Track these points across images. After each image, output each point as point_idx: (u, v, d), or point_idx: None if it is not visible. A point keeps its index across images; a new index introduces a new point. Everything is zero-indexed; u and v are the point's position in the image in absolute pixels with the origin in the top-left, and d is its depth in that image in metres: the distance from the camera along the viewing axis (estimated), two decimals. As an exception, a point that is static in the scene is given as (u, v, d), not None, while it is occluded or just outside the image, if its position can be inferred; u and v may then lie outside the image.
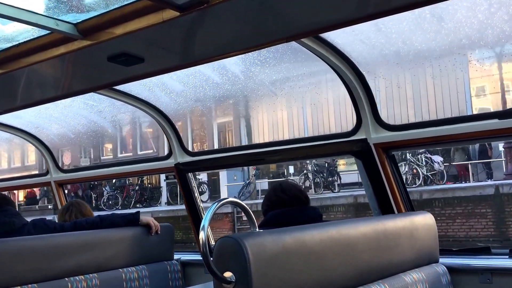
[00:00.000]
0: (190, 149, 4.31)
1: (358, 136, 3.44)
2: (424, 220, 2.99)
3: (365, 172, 3.46)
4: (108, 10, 2.49)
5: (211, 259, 1.93)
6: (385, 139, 3.34)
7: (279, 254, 2.01)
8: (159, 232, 3.98)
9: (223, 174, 24.94)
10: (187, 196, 4.40)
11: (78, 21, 2.60)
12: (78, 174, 5.46)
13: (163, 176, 26.57)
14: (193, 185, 4.41)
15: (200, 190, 25.04)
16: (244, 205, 2.16)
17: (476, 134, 3.03)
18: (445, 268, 2.96)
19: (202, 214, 4.38)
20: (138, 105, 4.23)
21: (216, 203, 2.05)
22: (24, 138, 5.40)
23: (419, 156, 18.90)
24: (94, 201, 27.10)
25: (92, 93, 3.93)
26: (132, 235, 3.84)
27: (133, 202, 25.93)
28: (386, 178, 3.37)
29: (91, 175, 5.32)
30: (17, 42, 2.90)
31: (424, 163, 19.00)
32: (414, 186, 18.43)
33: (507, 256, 3.12)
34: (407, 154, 18.76)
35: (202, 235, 1.96)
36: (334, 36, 2.99)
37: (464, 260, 3.20)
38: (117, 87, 3.95)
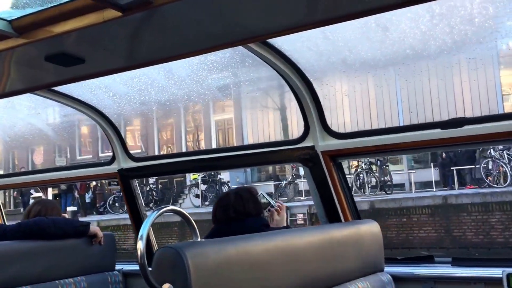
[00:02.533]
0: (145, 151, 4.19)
1: (306, 143, 3.43)
2: (370, 229, 3.00)
3: (312, 180, 3.45)
4: (46, 7, 2.36)
5: (149, 269, 1.84)
6: (332, 147, 3.34)
7: (221, 264, 1.94)
8: (102, 243, 3.84)
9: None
10: (131, 203, 4.27)
11: (13, 18, 2.45)
12: (12, 180, 5.20)
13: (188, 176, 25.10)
14: (137, 192, 4.27)
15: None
16: (185, 213, 2.08)
17: (420, 143, 3.07)
18: (390, 276, 2.97)
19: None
20: (79, 107, 4.07)
21: (156, 212, 1.97)
22: None
23: (499, 153, 18.01)
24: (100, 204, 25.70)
25: (30, 94, 3.76)
26: (73, 245, 3.69)
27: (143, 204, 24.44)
28: (333, 186, 3.37)
29: (26, 181, 5.08)
30: None
31: (507, 160, 18.07)
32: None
33: (450, 265, 3.17)
34: (491, 150, 17.89)
35: (140, 245, 1.87)
36: (282, 42, 2.96)
37: (408, 268, 3.23)
38: (57, 88, 3.79)
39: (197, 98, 4.03)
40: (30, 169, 26.46)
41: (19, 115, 4.64)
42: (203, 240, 2.06)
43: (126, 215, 21.77)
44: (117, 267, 4.07)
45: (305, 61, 3.10)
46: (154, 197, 24.39)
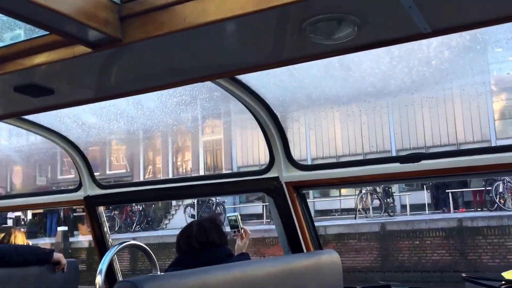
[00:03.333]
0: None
1: (271, 174, 3.51)
2: (330, 258, 3.08)
3: (276, 209, 3.52)
4: (16, 41, 2.41)
5: None
6: (296, 178, 3.43)
7: None
8: (65, 270, 3.82)
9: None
10: (96, 231, 4.25)
11: (-17, 50, 2.48)
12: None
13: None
14: (103, 219, 4.27)
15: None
16: (145, 247, 2.13)
17: (380, 177, 3.19)
18: None
19: (111, 250, 4.23)
20: (47, 135, 4.08)
21: (116, 247, 2.00)
22: None
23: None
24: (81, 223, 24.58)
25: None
26: (36, 272, 3.67)
27: (134, 224, 23.37)
28: (296, 216, 3.45)
29: (-7, 206, 5.02)
30: None
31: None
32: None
33: None
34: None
35: (98, 280, 1.90)
36: (249, 78, 3.06)
37: None
38: (26, 117, 3.80)
39: (166, 128, 4.08)
40: (8, 189, 25.83)
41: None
42: (162, 274, 2.10)
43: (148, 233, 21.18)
44: None
45: (271, 96, 3.20)
46: (135, 219, 23.86)
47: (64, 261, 3.81)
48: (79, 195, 4.31)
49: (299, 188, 3.45)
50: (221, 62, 2.65)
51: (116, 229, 23.42)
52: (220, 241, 3.14)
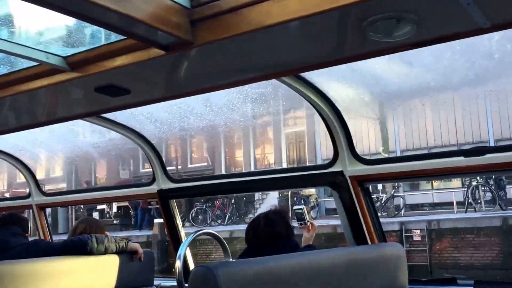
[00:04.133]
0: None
1: (335, 168, 3.59)
2: (394, 251, 3.11)
3: (341, 203, 3.60)
4: (96, 46, 2.64)
5: (186, 286, 2.03)
6: (360, 172, 3.49)
7: (251, 283, 2.12)
8: (141, 259, 4.05)
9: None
10: (169, 223, 4.50)
11: (68, 54, 2.74)
12: (59, 198, 5.52)
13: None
14: (175, 212, 4.50)
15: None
16: (218, 235, 2.27)
17: (444, 170, 3.20)
18: None
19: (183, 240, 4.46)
20: (123, 132, 4.35)
21: (192, 235, 2.16)
22: (6, 161, 5.46)
23: None
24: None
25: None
26: (114, 262, 3.90)
27: (227, 217, 22.92)
28: (361, 210, 3.51)
29: (73, 199, 5.39)
30: (7, 71, 3.03)
31: None
32: None
33: (472, 287, 3.26)
34: None
35: (178, 264, 2.06)
36: (312, 75, 3.16)
37: None
38: (104, 115, 4.08)
39: (233, 124, 4.25)
40: (93, 183, 27.08)
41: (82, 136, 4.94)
42: (234, 260, 2.23)
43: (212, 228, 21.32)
44: (155, 282, 4.28)
45: (334, 92, 3.28)
46: (227, 212, 23.36)
47: (140, 250, 4.03)
48: (153, 188, 4.57)
49: (363, 181, 3.51)
50: (285, 60, 2.76)
51: (209, 221, 23.06)
52: (287, 233, 3.23)
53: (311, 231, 3.53)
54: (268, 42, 2.48)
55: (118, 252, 3.93)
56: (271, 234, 3.18)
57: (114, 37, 2.57)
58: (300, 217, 3.54)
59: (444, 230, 17.17)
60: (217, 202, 23.37)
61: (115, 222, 27.38)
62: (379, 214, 18.74)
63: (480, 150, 3.01)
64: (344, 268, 2.64)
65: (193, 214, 23.01)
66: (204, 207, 23.15)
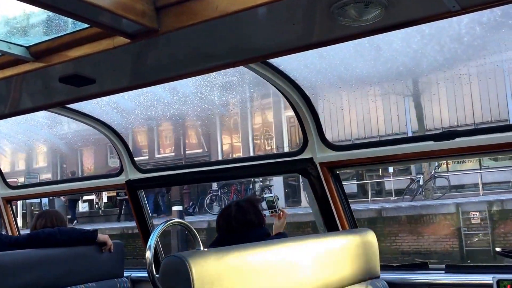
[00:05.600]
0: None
1: (305, 155, 3.58)
2: (366, 237, 3.13)
3: (311, 190, 3.60)
4: (60, 35, 2.55)
5: (157, 276, 1.99)
6: (330, 159, 3.49)
7: (223, 272, 2.09)
8: (112, 250, 4.00)
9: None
10: (138, 213, 4.43)
11: (31, 44, 2.64)
12: (27, 191, 5.38)
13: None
14: (144, 202, 4.44)
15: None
16: (189, 225, 2.24)
17: (414, 155, 3.22)
18: (385, 283, 3.10)
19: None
20: (89, 122, 4.25)
21: (162, 224, 2.13)
22: None
23: None
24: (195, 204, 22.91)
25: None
26: (84, 253, 3.85)
27: None
28: (331, 196, 3.51)
29: (40, 192, 5.27)
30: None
31: None
32: None
33: (443, 272, 3.30)
34: None
35: (148, 255, 2.03)
36: (280, 61, 3.13)
37: (403, 275, 3.36)
38: (70, 105, 3.97)
39: (201, 113, 4.19)
40: (79, 172, 26.25)
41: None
42: (205, 249, 2.21)
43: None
44: (126, 274, 4.23)
45: (303, 78, 3.26)
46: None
47: (110, 242, 3.98)
48: (121, 179, 4.49)
49: (333, 168, 3.51)
50: (253, 47, 2.72)
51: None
52: (258, 221, 3.23)
53: (282, 219, 3.53)
54: (235, 28, 2.44)
55: (86, 244, 3.87)
56: (242, 222, 3.18)
57: (78, 25, 2.49)
58: (271, 205, 3.53)
59: (509, 211, 15.17)
60: (233, 187, 21.65)
61: (119, 212, 24.76)
62: (416, 197, 18.11)
63: (450, 134, 3.03)
64: (316, 255, 2.64)
65: (208, 201, 21.35)
66: (219, 193, 21.33)
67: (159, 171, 4.38)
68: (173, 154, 27.51)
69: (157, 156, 27.24)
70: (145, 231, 4.42)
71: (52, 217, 4.00)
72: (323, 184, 3.51)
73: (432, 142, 3.13)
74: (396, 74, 3.17)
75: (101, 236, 3.96)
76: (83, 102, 3.76)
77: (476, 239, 15.48)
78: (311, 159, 3.52)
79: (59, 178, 24.70)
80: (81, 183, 4.92)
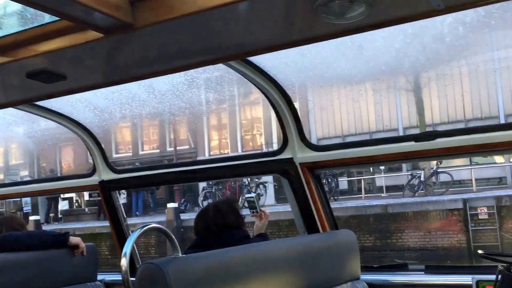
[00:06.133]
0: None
1: (285, 155, 3.51)
2: (346, 238, 3.09)
3: (291, 191, 3.53)
4: (28, 27, 2.41)
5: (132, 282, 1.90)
6: (310, 159, 3.42)
7: (202, 278, 2.01)
8: (85, 253, 3.87)
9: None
10: (112, 215, 4.29)
11: (-4, 37, 2.49)
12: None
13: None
14: (118, 203, 4.30)
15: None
16: (166, 229, 2.15)
17: (395, 156, 3.18)
18: (365, 284, 3.06)
19: (128, 234, 4.28)
20: (59, 120, 4.10)
21: (138, 230, 2.03)
22: None
23: None
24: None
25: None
26: (55, 256, 3.72)
27: (240, 199, 19.15)
28: (312, 197, 3.45)
29: (7, 193, 5.07)
30: None
31: None
32: None
33: (423, 272, 3.28)
34: None
35: (123, 262, 1.93)
36: (261, 59, 3.04)
37: (383, 276, 3.33)
38: (38, 103, 3.81)
39: (178, 111, 4.08)
40: (58, 170, 25.48)
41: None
42: (183, 256, 2.13)
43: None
44: (99, 277, 4.10)
45: (283, 76, 3.18)
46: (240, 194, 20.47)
47: (82, 244, 3.85)
48: (94, 179, 4.34)
49: (314, 169, 3.45)
50: (233, 44, 2.63)
51: None
52: (237, 223, 3.16)
53: (263, 219, 3.46)
54: (213, 24, 2.34)
55: (57, 247, 3.74)
56: (221, 225, 3.10)
57: (48, 18, 2.34)
58: (252, 206, 3.45)
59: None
60: (227, 183, 20.92)
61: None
62: (417, 192, 18.02)
63: (430, 135, 2.99)
64: (297, 258, 2.58)
65: (202, 198, 20.64)
66: (214, 190, 20.59)
67: (134, 171, 4.25)
68: (158, 151, 27.06)
69: (141, 152, 26.76)
70: (120, 235, 4.29)
71: (11, 222, 3.85)
72: (303, 185, 3.44)
73: (413, 143, 3.09)
74: (378, 73, 3.11)
75: (73, 239, 3.82)
76: (53, 99, 3.61)
77: (484, 235, 15.29)
78: (291, 159, 3.45)
79: (36, 177, 24.19)
80: (53, 184, 4.75)
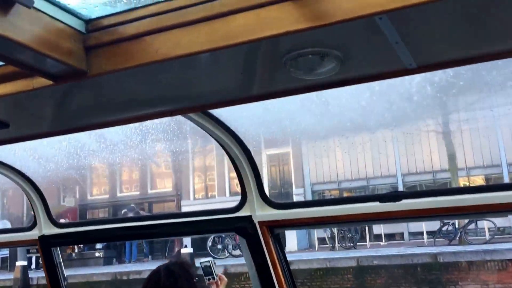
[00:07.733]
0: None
1: (243, 212, 3.32)
2: None
3: (248, 251, 3.32)
4: (-32, 71, 2.17)
5: None
6: (270, 217, 3.25)
7: None
8: None
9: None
10: (51, 274, 3.92)
11: None
12: None
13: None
14: (59, 261, 3.95)
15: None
16: None
17: (358, 216, 3.04)
18: None
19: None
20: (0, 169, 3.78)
21: None
22: None
23: None
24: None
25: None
26: None
27: (227, 248, 19.36)
28: (270, 258, 3.25)
29: None
30: None
31: None
32: None
33: None
34: None
35: None
36: (221, 111, 2.90)
37: None
38: (-23, 150, 3.51)
39: (131, 163, 3.84)
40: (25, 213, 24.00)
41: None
42: None
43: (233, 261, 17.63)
44: None
45: (244, 129, 3.04)
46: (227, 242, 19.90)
47: None
48: (34, 234, 3.99)
49: (274, 227, 3.27)
50: (192, 96, 2.50)
51: (230, 250, 19.42)
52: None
53: (221, 286, 3.21)
54: (174, 74, 2.20)
55: None
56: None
57: (-9, 62, 2.13)
58: (207, 271, 3.21)
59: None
60: None
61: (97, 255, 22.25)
62: (454, 242, 16.51)
63: (395, 196, 2.89)
64: None
65: (210, 243, 19.53)
66: (223, 235, 19.28)
67: (79, 225, 3.94)
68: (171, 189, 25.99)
69: (150, 192, 25.72)
70: (58, 294, 3.92)
71: None
72: (262, 245, 3.24)
73: (377, 203, 2.98)
74: (342, 129, 3.02)
75: None
76: (-7, 148, 3.32)
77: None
78: (250, 217, 3.26)
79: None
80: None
